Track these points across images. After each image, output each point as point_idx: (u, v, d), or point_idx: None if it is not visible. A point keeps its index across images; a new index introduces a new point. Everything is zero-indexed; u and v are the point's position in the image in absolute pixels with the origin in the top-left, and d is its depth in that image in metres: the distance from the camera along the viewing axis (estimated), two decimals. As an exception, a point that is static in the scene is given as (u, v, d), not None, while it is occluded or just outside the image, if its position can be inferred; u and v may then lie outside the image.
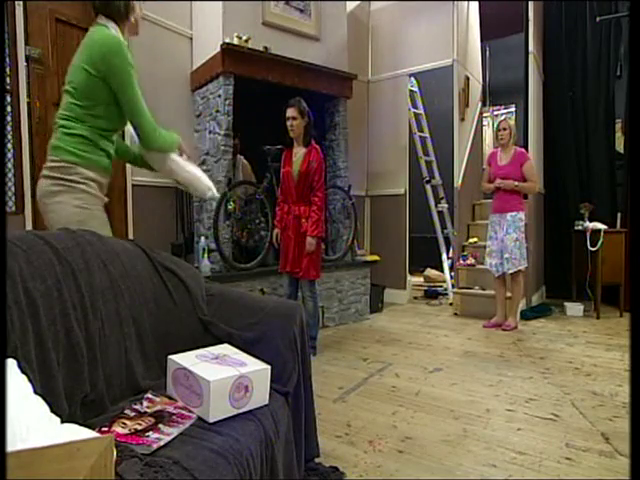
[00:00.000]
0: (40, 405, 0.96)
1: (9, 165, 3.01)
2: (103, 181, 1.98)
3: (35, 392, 0.98)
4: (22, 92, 3.01)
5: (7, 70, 2.92)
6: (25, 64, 3.02)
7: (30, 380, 1.00)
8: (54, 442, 0.74)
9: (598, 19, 4.98)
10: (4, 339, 1.03)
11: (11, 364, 0.99)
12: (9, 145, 3.00)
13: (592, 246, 4.57)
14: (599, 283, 4.58)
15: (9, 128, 2.99)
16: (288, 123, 3.25)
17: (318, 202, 3.28)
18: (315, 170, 3.28)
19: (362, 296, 4.65)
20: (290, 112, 3.23)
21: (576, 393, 2.64)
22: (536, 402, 2.52)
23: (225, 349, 1.50)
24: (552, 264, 5.57)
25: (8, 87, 2.97)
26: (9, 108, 2.99)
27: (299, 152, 3.34)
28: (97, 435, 0.96)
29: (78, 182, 1.85)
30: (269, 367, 1.40)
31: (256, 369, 1.36)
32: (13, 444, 0.78)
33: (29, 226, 3.05)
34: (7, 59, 2.96)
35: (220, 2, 3.63)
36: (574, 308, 4.72)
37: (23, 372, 1.01)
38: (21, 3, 2.95)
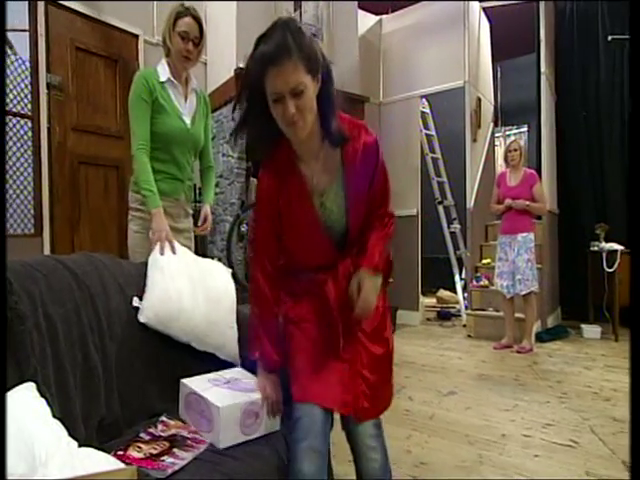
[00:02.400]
0: (59, 429, 0.98)
1: (29, 188, 3.10)
2: (163, 204, 1.98)
3: (53, 416, 1.00)
4: (43, 118, 3.11)
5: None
6: (46, 91, 3.12)
7: (49, 403, 1.02)
8: (73, 468, 0.76)
9: (610, 38, 4.96)
10: (4, 341, 1.04)
11: (31, 387, 1.01)
12: (30, 169, 3.09)
13: (609, 267, 4.51)
14: (617, 305, 4.48)
15: (30, 153, 3.08)
16: (281, 112, 1.16)
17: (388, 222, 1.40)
18: (385, 182, 1.38)
19: (375, 317, 4.61)
20: (286, 77, 1.12)
21: (595, 419, 2.58)
22: (554, 427, 2.47)
23: (237, 373, 1.50)
24: (568, 285, 5.48)
25: (30, 113, 3.08)
26: (30, 133, 3.09)
27: (322, 161, 1.31)
28: (121, 466, 0.97)
29: (136, 209, 2.05)
30: (281, 392, 1.39)
31: (268, 394, 1.35)
32: (34, 468, 0.79)
33: (47, 248, 3.11)
34: (30, 86, 3.07)
35: (234, 27, 3.73)
36: (591, 330, 4.63)
37: (42, 395, 1.02)
38: (44, 34, 3.06)
